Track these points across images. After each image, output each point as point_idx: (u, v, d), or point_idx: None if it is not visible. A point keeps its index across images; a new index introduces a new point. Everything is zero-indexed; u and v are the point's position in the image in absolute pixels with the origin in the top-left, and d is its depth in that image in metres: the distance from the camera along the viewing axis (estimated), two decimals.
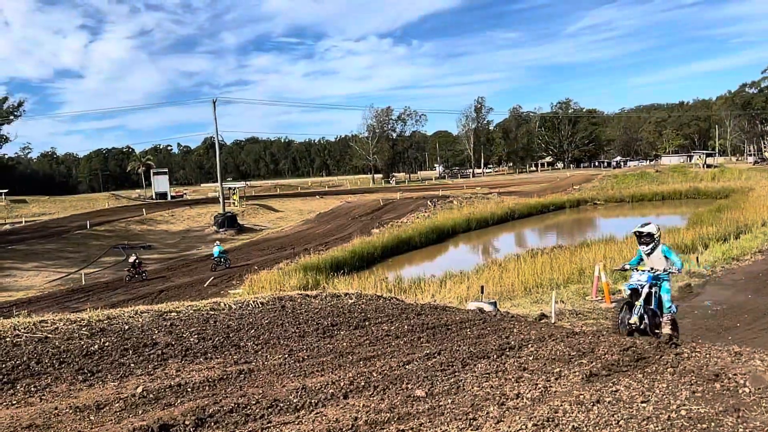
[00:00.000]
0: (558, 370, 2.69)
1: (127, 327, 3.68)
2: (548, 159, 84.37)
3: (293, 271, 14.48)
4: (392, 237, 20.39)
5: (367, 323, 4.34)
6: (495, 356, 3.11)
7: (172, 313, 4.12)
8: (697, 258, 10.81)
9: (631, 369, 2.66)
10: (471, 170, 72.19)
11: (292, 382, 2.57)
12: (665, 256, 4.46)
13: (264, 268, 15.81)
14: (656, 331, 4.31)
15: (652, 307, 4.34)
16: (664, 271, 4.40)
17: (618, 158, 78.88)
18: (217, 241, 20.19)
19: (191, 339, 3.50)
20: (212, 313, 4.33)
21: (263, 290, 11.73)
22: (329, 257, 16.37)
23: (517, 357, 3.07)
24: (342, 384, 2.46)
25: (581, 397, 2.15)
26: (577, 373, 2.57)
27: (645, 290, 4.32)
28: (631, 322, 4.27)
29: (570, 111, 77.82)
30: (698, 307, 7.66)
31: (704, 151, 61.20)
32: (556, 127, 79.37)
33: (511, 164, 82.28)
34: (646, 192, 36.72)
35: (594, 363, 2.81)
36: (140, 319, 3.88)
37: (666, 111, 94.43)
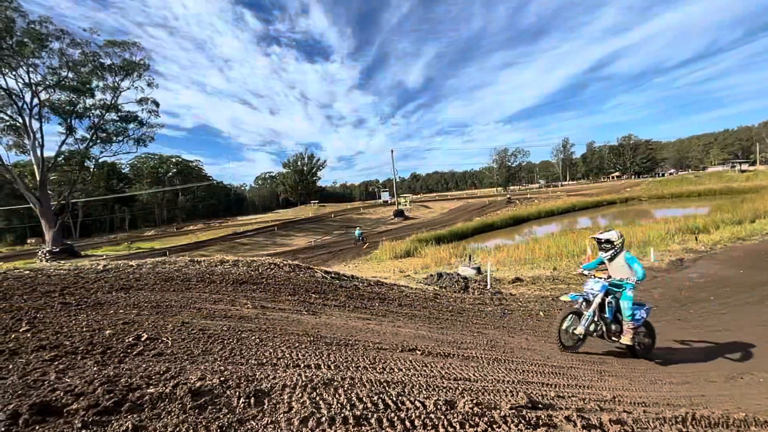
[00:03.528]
0: (412, 313, 7.84)
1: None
2: (616, 173, 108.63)
3: (410, 241, 21.15)
4: (481, 222, 29.47)
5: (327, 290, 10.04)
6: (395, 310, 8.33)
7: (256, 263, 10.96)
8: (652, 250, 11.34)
9: (456, 317, 7.53)
10: (559, 182, 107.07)
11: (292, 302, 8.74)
12: (628, 264, 4.30)
13: (401, 238, 23.92)
14: (613, 339, 4.31)
15: (606, 315, 4.32)
16: (626, 279, 4.26)
17: (672, 170, 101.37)
18: (358, 228, 32.87)
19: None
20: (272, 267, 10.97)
21: (384, 254, 18.90)
22: (435, 234, 22.64)
23: (397, 311, 8.19)
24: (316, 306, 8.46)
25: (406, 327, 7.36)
26: (424, 318, 7.65)
27: (597, 300, 4.24)
28: (576, 332, 4.18)
29: (631, 141, 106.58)
30: (679, 278, 9.38)
31: (744, 160, 70.72)
32: (620, 153, 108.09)
33: (590, 177, 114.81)
34: (683, 190, 43.86)
35: (442, 312, 7.78)
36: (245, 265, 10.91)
37: (713, 136, 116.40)
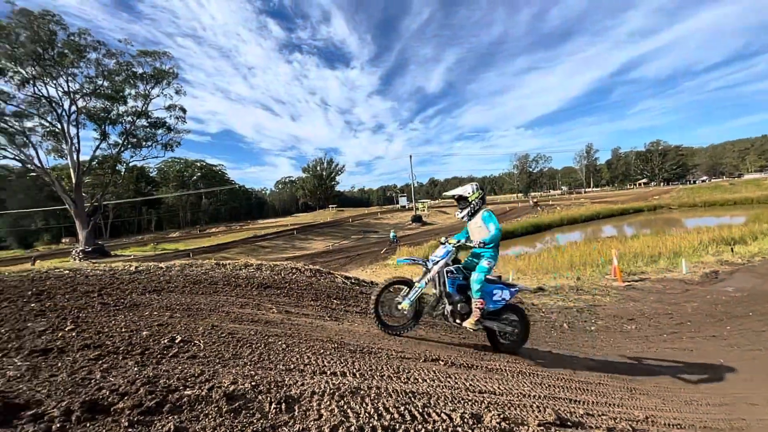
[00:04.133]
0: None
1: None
2: (643, 180, 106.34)
3: (428, 247, 21.08)
4: (502, 229, 27.17)
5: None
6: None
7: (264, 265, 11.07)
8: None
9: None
10: (583, 189, 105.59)
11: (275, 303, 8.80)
12: (485, 224, 3.66)
13: (419, 244, 24.05)
14: (457, 321, 3.60)
15: (448, 290, 3.59)
16: (480, 244, 3.56)
17: (704, 177, 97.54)
18: (393, 230, 33.90)
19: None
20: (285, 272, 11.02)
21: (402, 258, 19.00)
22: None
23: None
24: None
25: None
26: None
27: (436, 268, 3.59)
28: (400, 307, 3.55)
29: (660, 147, 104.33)
30: (714, 292, 8.94)
31: None
32: (648, 159, 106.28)
33: (615, 184, 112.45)
34: (717, 198, 41.85)
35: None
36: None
37: (749, 142, 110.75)
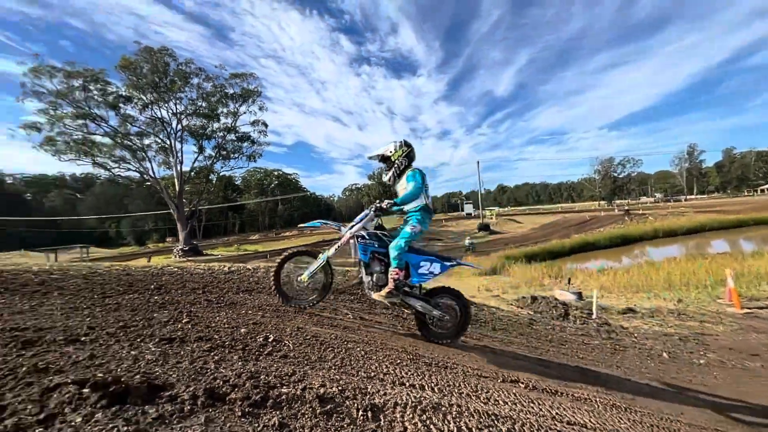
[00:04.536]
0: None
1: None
2: (767, 186, 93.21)
3: (496, 258, 20.08)
4: (581, 240, 26.39)
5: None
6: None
7: None
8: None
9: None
10: (683, 196, 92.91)
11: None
12: (408, 183, 3.33)
13: (486, 254, 23.31)
14: (371, 292, 3.30)
15: (361, 258, 3.31)
16: (388, 204, 3.25)
17: None
18: (469, 238, 34.34)
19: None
20: None
21: (468, 270, 18.25)
22: (525, 251, 20.94)
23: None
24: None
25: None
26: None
27: (347, 234, 3.32)
28: (300, 278, 3.32)
29: None
30: None
31: None
32: None
33: (727, 191, 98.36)
34: None
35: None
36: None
37: None
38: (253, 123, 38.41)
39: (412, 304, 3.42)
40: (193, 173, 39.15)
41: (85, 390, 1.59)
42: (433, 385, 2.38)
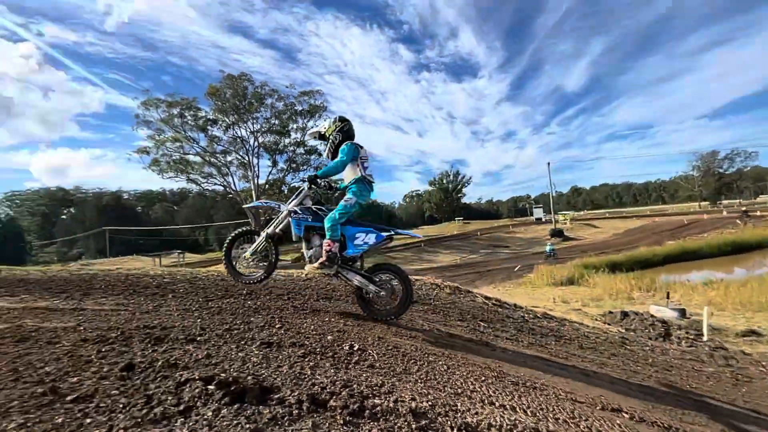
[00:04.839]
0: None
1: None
2: None
3: (573, 267, 18.35)
4: (678, 247, 22.40)
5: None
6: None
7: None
8: None
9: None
10: None
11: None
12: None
13: (561, 262, 21.63)
14: (306, 263, 3.44)
15: (295, 232, 3.47)
16: (307, 180, 3.49)
17: None
18: (550, 242, 32.83)
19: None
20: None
21: (540, 280, 16.94)
22: (606, 259, 18.75)
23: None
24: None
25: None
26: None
27: (284, 211, 3.49)
28: (245, 255, 3.49)
29: None
30: None
31: None
32: None
33: None
34: None
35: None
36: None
37: None
38: None
39: (350, 277, 3.45)
40: (267, 185, 42.71)
41: (211, 387, 1.81)
42: (525, 407, 2.25)
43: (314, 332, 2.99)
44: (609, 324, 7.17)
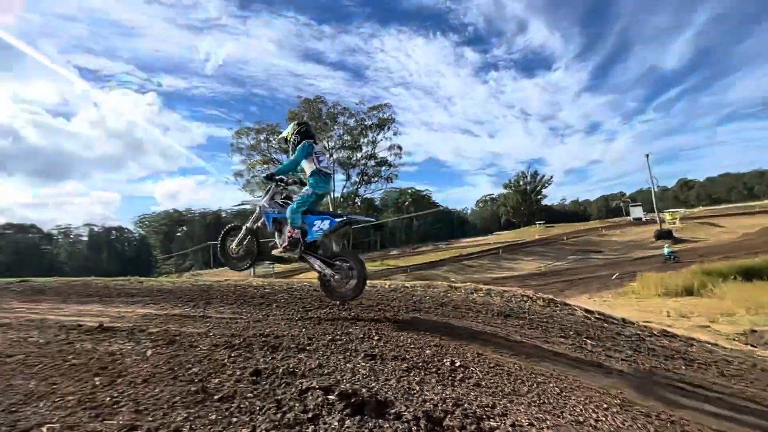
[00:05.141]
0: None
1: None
2: None
3: (690, 273, 15.50)
4: None
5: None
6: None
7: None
8: None
9: None
10: None
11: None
12: None
13: (672, 268, 18.61)
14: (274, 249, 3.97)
15: (268, 224, 4.09)
16: (266, 177, 4.01)
17: None
18: (666, 245, 29.20)
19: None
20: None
21: (647, 289, 14.66)
22: (737, 264, 15.42)
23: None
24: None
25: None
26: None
27: (258, 207, 4.10)
28: (231, 246, 4.17)
29: None
30: None
31: None
32: None
33: None
34: None
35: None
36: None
37: None
38: (390, 148, 41.82)
39: (311, 261, 3.92)
40: (342, 199, 45.07)
41: (331, 396, 1.94)
42: None
43: (412, 346, 3.01)
44: (754, 346, 5.89)
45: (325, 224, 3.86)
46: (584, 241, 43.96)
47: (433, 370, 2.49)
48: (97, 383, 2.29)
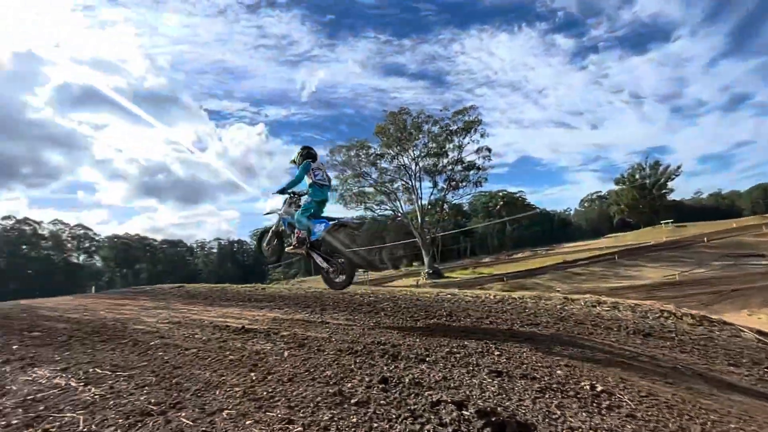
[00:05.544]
0: None
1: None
2: None
3: None
4: None
5: None
6: None
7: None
8: None
9: None
10: None
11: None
12: None
13: None
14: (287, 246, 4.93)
15: (283, 228, 5.03)
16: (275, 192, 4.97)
17: None
18: None
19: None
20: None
21: None
22: None
23: None
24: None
25: None
26: None
27: (277, 215, 5.05)
28: (264, 246, 5.26)
29: None
30: None
31: None
32: None
33: None
34: None
35: None
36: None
37: None
38: (477, 151, 40.38)
39: (315, 258, 4.63)
40: (429, 206, 45.02)
41: (466, 412, 1.90)
42: None
43: (539, 364, 2.78)
44: None
45: (321, 227, 4.59)
46: (734, 243, 35.28)
47: (571, 393, 2.25)
48: (254, 378, 2.67)
